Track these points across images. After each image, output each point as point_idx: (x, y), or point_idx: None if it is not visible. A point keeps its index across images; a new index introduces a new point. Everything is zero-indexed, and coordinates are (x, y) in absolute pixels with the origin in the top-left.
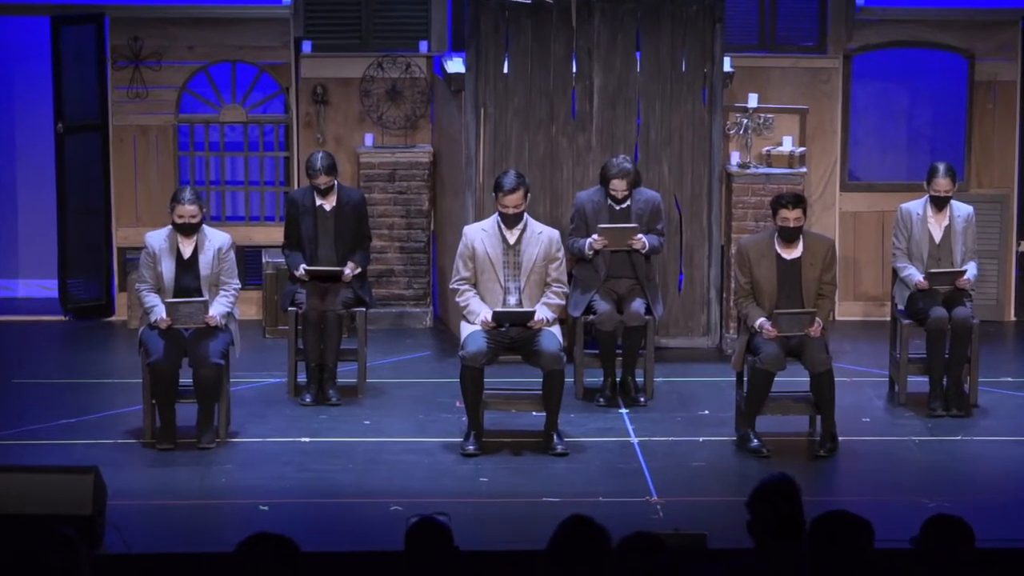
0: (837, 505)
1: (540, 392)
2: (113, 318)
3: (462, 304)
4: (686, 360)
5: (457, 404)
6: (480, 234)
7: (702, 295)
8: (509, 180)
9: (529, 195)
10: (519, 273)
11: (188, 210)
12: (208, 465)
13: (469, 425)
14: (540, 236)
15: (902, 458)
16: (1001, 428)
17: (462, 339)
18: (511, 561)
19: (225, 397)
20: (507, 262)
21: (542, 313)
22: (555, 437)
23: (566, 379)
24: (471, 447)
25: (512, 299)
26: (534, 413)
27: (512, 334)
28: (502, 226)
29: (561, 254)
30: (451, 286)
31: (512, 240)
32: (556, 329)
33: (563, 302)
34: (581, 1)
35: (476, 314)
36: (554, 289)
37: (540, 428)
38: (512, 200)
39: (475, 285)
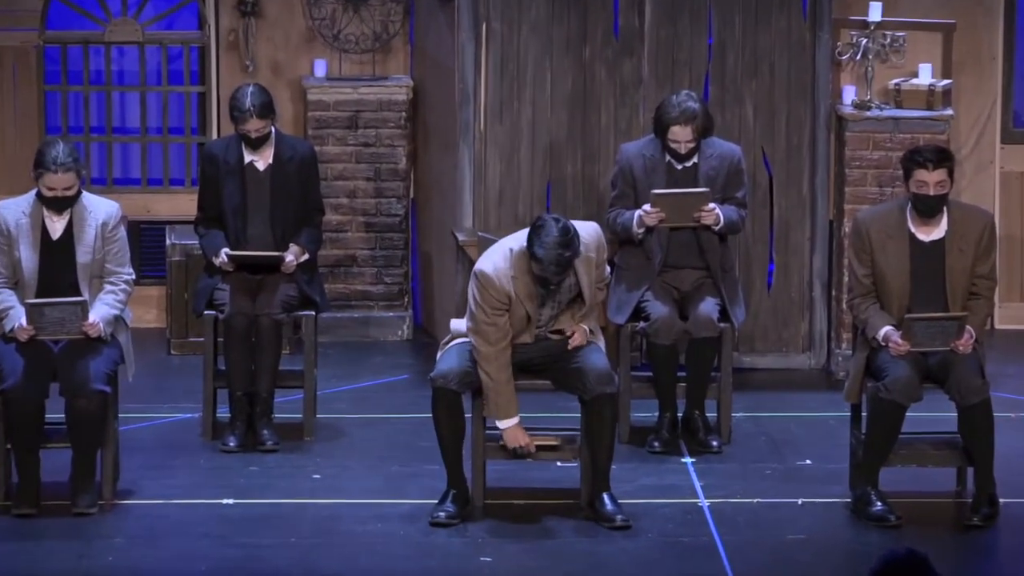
0: None
1: (566, 432)
2: None
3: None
4: (778, 387)
5: None
6: (512, 284)
7: (801, 293)
8: (561, 245)
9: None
10: (556, 303)
11: (61, 180)
12: (88, 538)
13: (447, 479)
14: (586, 256)
15: None
16: None
17: (439, 354)
18: None
19: (112, 440)
20: (541, 308)
21: (585, 327)
22: (608, 500)
23: None
24: (441, 514)
25: (546, 330)
26: (559, 463)
27: (532, 353)
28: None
29: (605, 254)
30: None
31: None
32: (600, 339)
33: (603, 294)
34: None
35: None
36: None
37: (564, 485)
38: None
39: None
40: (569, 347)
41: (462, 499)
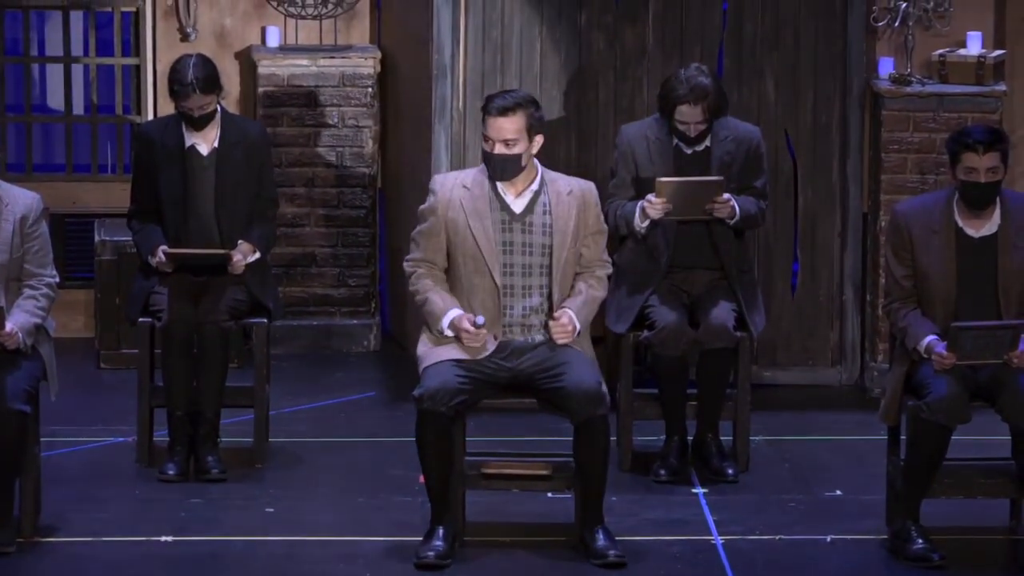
0: None
1: (557, 459)
2: None
3: (418, 299)
4: (804, 406)
5: (421, 480)
6: (460, 192)
7: (830, 298)
8: (502, 98)
9: (538, 131)
10: (532, 264)
11: None
12: None
13: (433, 514)
14: (568, 198)
15: None
16: None
17: (421, 368)
18: None
19: (33, 468)
20: (508, 245)
21: (567, 321)
22: (600, 534)
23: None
24: (430, 553)
25: (521, 306)
26: (550, 495)
27: (508, 364)
28: (494, 182)
29: (603, 222)
30: (405, 266)
31: (519, 207)
32: (587, 347)
33: (604, 294)
34: None
35: (437, 317)
36: (596, 274)
37: (556, 519)
38: (501, 129)
39: (446, 272)
40: (551, 334)
41: (452, 536)
